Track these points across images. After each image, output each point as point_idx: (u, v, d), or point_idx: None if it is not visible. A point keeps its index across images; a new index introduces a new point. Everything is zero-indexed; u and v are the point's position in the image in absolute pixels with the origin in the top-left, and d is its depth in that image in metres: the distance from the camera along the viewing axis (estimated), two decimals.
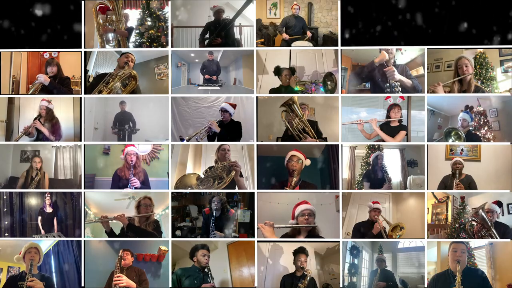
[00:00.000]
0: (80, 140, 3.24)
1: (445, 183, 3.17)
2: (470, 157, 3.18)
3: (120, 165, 3.25)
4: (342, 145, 3.18)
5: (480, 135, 3.17)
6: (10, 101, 3.29)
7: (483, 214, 3.09)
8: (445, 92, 3.18)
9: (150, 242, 3.20)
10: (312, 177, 3.19)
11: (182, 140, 3.25)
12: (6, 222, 3.25)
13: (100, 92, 3.25)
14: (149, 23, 3.26)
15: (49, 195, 3.25)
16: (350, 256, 3.17)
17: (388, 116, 3.23)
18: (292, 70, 3.23)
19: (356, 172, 3.23)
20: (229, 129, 3.26)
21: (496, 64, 3.16)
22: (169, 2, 3.25)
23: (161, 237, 3.19)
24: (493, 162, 3.15)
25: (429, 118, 3.18)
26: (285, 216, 3.14)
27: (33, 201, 3.26)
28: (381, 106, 3.25)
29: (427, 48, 3.15)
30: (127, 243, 3.18)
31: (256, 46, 3.22)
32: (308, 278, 3.08)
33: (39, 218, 3.25)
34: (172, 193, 3.21)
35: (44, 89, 3.27)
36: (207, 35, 3.27)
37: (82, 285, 3.20)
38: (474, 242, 3.14)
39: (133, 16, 3.29)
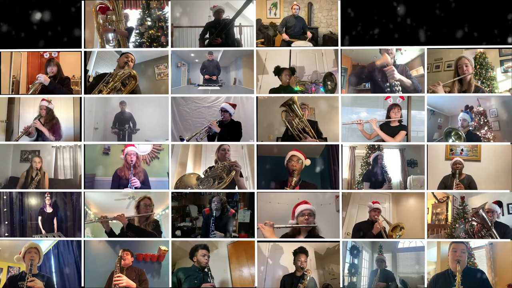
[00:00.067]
0: (80, 140, 3.24)
1: (445, 183, 3.17)
2: (470, 157, 3.18)
3: (120, 165, 3.25)
4: (342, 145, 3.18)
5: (480, 135, 3.17)
6: (10, 101, 3.29)
7: (483, 214, 3.08)
8: (445, 92, 3.18)
9: (150, 242, 3.20)
10: (312, 177, 3.19)
11: (182, 140, 3.25)
12: (6, 222, 3.25)
13: (100, 92, 3.25)
14: (149, 23, 3.26)
15: (49, 195, 3.25)
16: (350, 256, 3.17)
17: (388, 116, 3.23)
18: (292, 70, 3.23)
19: (356, 172, 3.23)
20: (229, 129, 3.25)
21: (496, 64, 3.16)
22: (169, 2, 3.25)
23: (160, 237, 3.19)
24: (493, 162, 3.15)
25: (429, 118, 3.18)
26: (285, 216, 3.14)
27: (33, 201, 3.26)
28: (381, 106, 3.25)
29: (427, 48, 3.15)
30: (127, 243, 3.18)
31: (256, 46, 3.22)
32: (308, 278, 3.08)
33: (39, 218, 3.25)
34: (172, 193, 3.21)
35: (44, 89, 3.27)
36: (207, 35, 3.27)
37: (82, 285, 3.20)
38: (474, 242, 3.14)
39: (133, 16, 3.30)
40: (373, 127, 3.22)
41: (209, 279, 3.09)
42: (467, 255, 3.10)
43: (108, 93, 3.25)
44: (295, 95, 3.20)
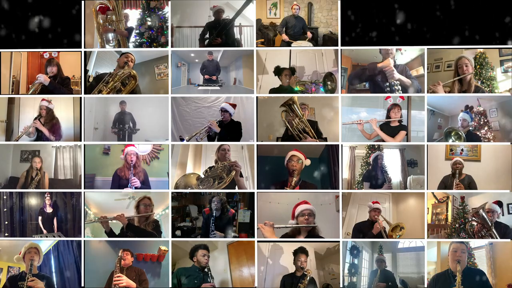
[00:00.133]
0: (80, 140, 3.24)
1: (445, 183, 3.17)
2: (470, 157, 3.18)
3: (120, 165, 3.25)
4: (342, 145, 3.18)
5: (480, 135, 3.17)
6: (10, 101, 3.29)
7: (483, 214, 3.08)
8: (445, 92, 3.17)
9: (150, 242, 3.20)
10: (312, 177, 3.19)
11: (182, 140, 3.25)
12: (6, 222, 3.25)
13: (100, 92, 3.25)
14: (149, 23, 3.26)
15: (49, 195, 3.25)
16: (350, 256, 3.17)
17: (388, 116, 3.23)
18: (292, 70, 3.23)
19: (356, 172, 3.23)
20: (229, 129, 3.25)
21: (496, 64, 3.16)
22: (169, 2, 3.25)
23: (160, 237, 3.19)
24: (493, 162, 3.15)
25: (429, 118, 3.18)
26: (285, 216, 3.14)
27: (33, 201, 3.26)
28: (381, 106, 3.25)
29: (427, 48, 3.15)
30: (127, 243, 3.18)
31: (256, 46, 3.22)
32: (308, 278, 3.08)
33: (40, 218, 3.25)
34: (172, 193, 3.21)
35: (44, 89, 3.27)
36: (207, 35, 3.27)
37: (82, 285, 3.20)
38: (474, 242, 3.14)
39: (133, 16, 3.30)
40: (373, 127, 3.22)
41: (209, 279, 3.09)
42: (467, 255, 3.10)
43: (108, 93, 3.25)
44: (295, 95, 3.20)
